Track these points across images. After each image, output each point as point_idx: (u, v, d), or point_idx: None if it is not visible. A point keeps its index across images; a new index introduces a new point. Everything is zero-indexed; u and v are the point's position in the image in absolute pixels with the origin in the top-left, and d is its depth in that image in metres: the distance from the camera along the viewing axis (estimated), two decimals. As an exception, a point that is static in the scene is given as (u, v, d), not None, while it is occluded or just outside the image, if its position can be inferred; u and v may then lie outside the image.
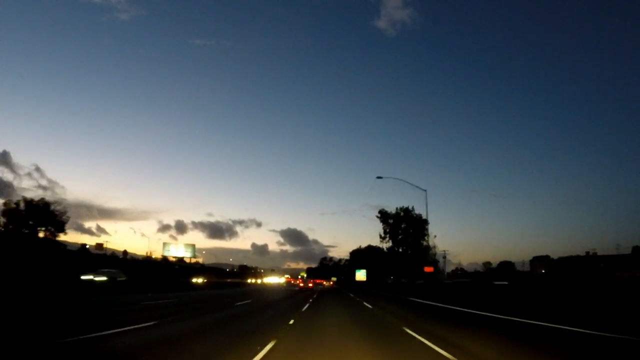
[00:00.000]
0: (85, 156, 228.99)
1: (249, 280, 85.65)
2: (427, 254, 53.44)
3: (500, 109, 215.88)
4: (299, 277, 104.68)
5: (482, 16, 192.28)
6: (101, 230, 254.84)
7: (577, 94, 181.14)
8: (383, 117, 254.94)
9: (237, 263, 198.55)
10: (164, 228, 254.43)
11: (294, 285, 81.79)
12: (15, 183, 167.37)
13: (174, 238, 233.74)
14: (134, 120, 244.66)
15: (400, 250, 57.17)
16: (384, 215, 58.24)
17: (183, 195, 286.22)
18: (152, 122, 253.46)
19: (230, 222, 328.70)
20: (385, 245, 58.48)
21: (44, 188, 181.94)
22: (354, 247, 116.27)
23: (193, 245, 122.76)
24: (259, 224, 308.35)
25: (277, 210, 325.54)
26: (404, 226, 56.18)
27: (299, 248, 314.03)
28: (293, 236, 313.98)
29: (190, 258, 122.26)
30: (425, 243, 54.01)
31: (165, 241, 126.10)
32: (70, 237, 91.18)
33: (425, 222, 55.15)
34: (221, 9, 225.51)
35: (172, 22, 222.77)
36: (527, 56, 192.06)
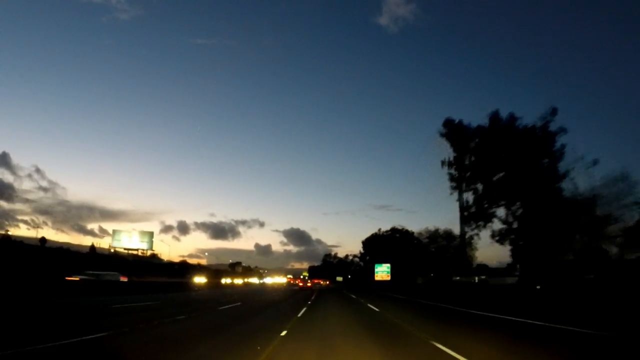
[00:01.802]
0: (86, 157, 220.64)
1: (199, 281, 53.57)
2: (574, 207, 21.80)
3: (502, 106, 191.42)
4: (301, 277, 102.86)
5: (486, 12, 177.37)
6: (104, 231, 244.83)
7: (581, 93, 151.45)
8: (385, 115, 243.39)
9: (244, 264, 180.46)
10: (167, 229, 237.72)
11: (293, 285, 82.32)
12: (16, 184, 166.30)
13: (177, 239, 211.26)
14: (135, 120, 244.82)
15: (495, 203, 25.57)
16: (455, 131, 26.38)
17: (185, 196, 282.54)
18: (154, 122, 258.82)
19: (233, 223, 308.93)
20: (467, 196, 26.92)
21: (45, 189, 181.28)
22: (357, 246, 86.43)
23: (150, 234, 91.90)
24: (262, 224, 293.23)
25: (280, 210, 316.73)
26: (502, 157, 24.85)
27: (302, 248, 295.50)
28: (296, 236, 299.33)
29: (147, 250, 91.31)
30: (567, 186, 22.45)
31: (116, 228, 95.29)
32: (73, 238, 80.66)
33: (551, 135, 23.86)
34: (222, 8, 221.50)
35: (172, 22, 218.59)
36: (533, 52, 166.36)
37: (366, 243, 78.98)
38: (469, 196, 27.10)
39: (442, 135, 27.44)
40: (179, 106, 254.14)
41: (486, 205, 26.10)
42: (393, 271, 64.17)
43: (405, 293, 38.69)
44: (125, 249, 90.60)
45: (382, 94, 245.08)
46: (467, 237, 31.12)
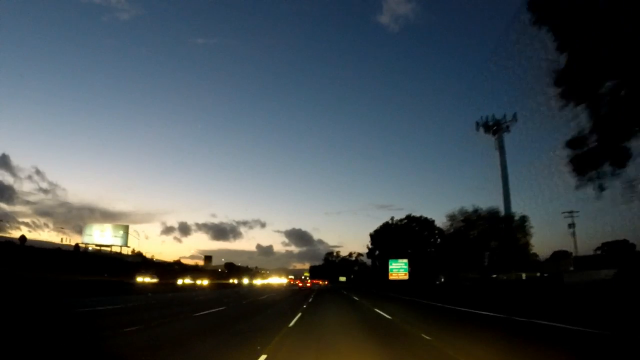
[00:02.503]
0: (86, 158, 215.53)
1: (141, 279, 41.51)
2: None
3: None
4: (302, 277, 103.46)
5: (487, 10, 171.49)
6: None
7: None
8: (387, 115, 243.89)
9: (243, 264, 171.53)
10: (168, 230, 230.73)
11: (294, 285, 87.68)
12: (16, 186, 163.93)
13: (178, 240, 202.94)
14: (136, 121, 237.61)
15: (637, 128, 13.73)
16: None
17: (186, 197, 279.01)
18: (155, 122, 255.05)
19: (234, 223, 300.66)
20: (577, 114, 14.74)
21: (45, 191, 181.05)
22: (359, 246, 74.61)
23: (125, 227, 79.89)
24: (263, 225, 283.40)
25: (281, 210, 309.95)
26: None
27: (304, 248, 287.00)
28: (298, 236, 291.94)
29: (122, 246, 79.26)
30: None
31: (88, 222, 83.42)
32: (74, 239, 77.67)
33: None
34: (222, 7, 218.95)
35: (173, 21, 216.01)
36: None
37: (375, 236, 67.00)
38: (580, 119, 15.04)
39: (528, 9, 15.43)
40: (180, 106, 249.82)
41: (618, 135, 14.25)
42: (410, 268, 52.45)
43: (447, 298, 26.86)
44: (97, 245, 78.76)
45: (383, 92, 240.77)
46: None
